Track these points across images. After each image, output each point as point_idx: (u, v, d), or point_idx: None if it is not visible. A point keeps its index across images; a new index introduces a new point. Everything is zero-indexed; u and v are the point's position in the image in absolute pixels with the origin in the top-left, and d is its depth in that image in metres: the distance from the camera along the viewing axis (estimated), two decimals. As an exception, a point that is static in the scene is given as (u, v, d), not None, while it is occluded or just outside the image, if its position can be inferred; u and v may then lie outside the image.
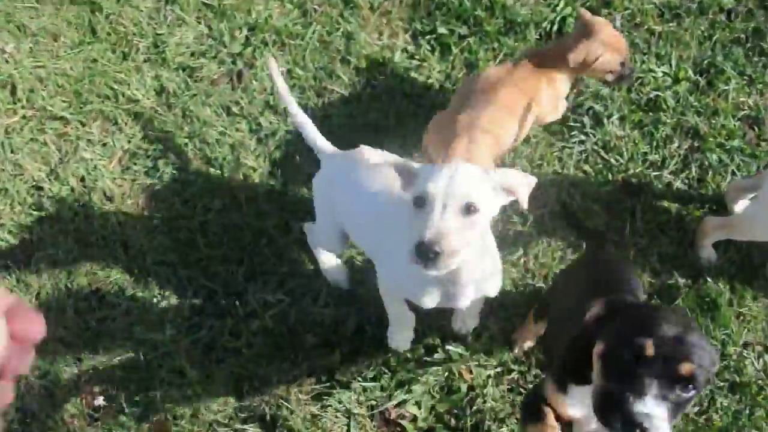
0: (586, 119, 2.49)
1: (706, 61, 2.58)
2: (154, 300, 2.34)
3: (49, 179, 2.50)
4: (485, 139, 2.08)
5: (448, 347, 2.16)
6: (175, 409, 2.19)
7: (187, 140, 2.56)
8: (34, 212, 2.46)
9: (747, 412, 2.07)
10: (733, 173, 2.40)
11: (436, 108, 2.43)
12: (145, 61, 2.68)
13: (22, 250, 2.43)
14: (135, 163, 2.56)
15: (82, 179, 2.51)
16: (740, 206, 2.28)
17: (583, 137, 2.47)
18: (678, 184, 2.41)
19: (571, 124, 2.49)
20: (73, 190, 2.49)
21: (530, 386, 2.14)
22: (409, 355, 2.18)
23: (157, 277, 2.38)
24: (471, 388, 2.13)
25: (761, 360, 2.14)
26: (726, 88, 2.52)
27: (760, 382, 2.11)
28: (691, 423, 2.07)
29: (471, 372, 2.15)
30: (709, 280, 2.23)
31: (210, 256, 2.38)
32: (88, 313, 2.35)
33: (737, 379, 2.12)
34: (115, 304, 2.35)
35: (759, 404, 2.07)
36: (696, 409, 2.08)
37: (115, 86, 2.62)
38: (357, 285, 2.31)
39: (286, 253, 2.38)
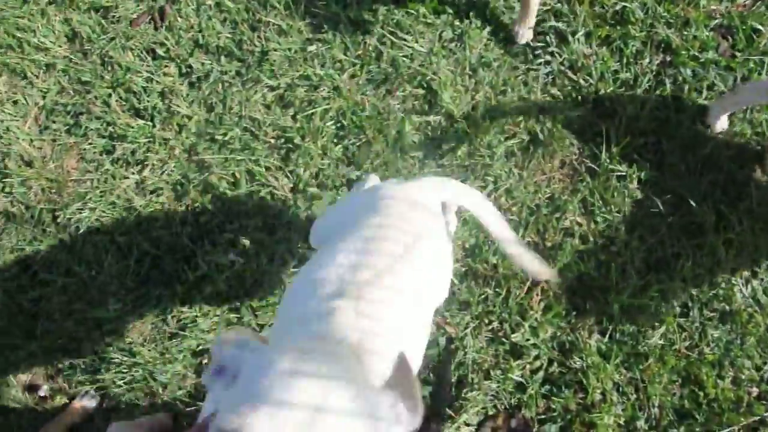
0: (549, 38, 2.28)
1: (673, -35, 2.38)
2: (93, 273, 2.11)
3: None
4: None
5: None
6: (128, 394, 2.00)
7: (110, 90, 2.27)
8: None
9: (738, 341, 2.00)
10: (710, 88, 2.25)
11: (389, 31, 2.18)
12: (50, 2, 2.33)
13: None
14: (54, 122, 2.27)
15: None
16: (723, 124, 2.15)
17: (548, 57, 2.27)
18: (653, 103, 2.24)
19: (534, 44, 2.28)
20: (-15, 158, 2.20)
21: (512, 334, 2.01)
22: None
23: (93, 246, 2.13)
24: (449, 340, 2.00)
25: (749, 286, 2.05)
26: (696, -7, 2.33)
27: (749, 309, 2.03)
28: (683, 358, 1.99)
29: (449, 323, 2.01)
30: (693, 204, 2.11)
31: (150, 218, 2.14)
32: (19, 294, 2.10)
33: (726, 308, 2.03)
34: (50, 281, 2.11)
35: (750, 332, 2.00)
36: (687, 343, 2.00)
37: (18, 34, 2.28)
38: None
39: (234, 207, 2.15)
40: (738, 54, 2.29)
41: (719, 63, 2.27)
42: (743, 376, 2.01)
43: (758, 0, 2.35)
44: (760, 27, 2.29)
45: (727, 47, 2.31)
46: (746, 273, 2.04)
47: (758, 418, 1.97)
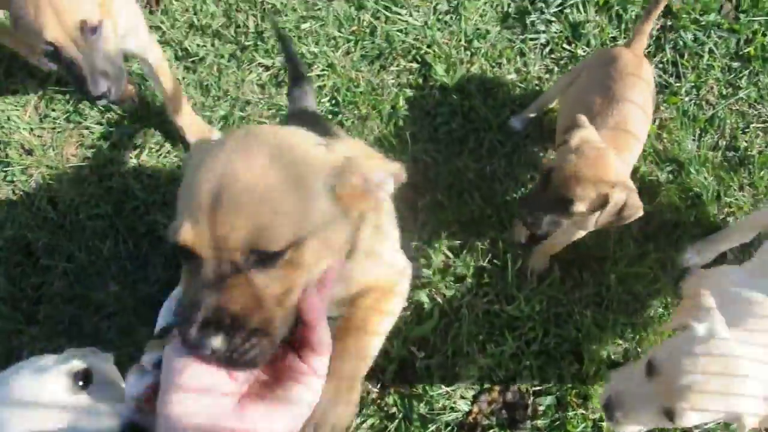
0: (544, 5, 2.23)
1: (673, -72, 2.31)
2: (92, 257, 2.13)
3: (-44, 138, 2.23)
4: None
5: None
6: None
7: (106, 77, 2.27)
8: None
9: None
10: (711, 52, 2.18)
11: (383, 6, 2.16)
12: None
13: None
14: (53, 110, 2.29)
15: (-7, 133, 2.24)
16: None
17: (543, 27, 2.23)
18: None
19: (530, 12, 2.24)
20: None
21: (507, 307, 1.98)
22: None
23: (93, 232, 2.15)
24: (444, 313, 1.98)
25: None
26: (697, -45, 2.26)
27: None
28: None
29: (442, 293, 1.99)
30: (693, 172, 2.05)
31: (147, 202, 2.15)
32: (22, 280, 2.13)
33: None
34: (51, 266, 2.14)
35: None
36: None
37: (16, 23, 2.31)
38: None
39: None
40: (741, 16, 2.22)
41: (721, 25, 2.21)
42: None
43: (764, -40, 2.28)
44: (765, -13, 2.21)
45: (731, 9, 2.25)
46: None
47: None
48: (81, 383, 1.12)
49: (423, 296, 1.97)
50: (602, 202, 1.51)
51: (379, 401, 1.92)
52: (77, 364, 1.15)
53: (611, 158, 1.53)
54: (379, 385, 1.93)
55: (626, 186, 1.54)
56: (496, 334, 1.95)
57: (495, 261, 2.02)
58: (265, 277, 0.67)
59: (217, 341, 0.64)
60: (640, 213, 1.56)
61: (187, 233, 0.66)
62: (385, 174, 0.76)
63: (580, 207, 1.52)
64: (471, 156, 2.12)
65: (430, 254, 2.01)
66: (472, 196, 2.06)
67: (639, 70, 1.73)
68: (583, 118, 1.58)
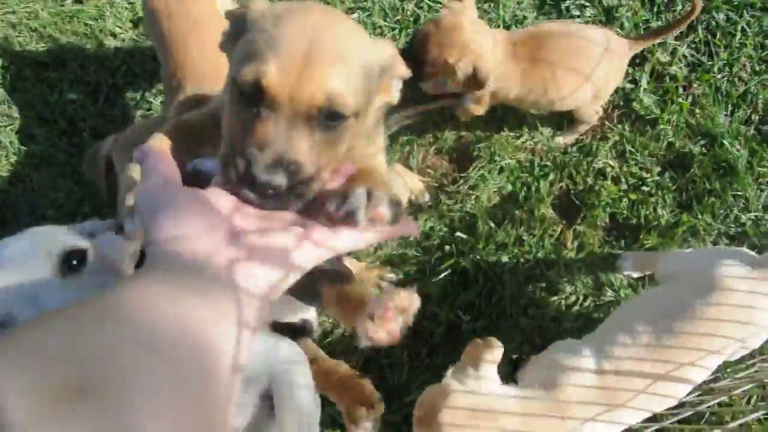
0: (580, -9, 2.36)
1: None
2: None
3: (37, 124, 2.46)
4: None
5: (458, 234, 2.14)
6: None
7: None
8: (29, 160, 2.43)
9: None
10: (743, 31, 2.27)
11: None
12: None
13: (25, 198, 2.41)
14: (122, 98, 2.50)
15: (71, 120, 2.45)
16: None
17: (578, 12, 2.35)
18: (684, 50, 2.28)
19: (566, -1, 2.36)
20: (64, 132, 2.44)
21: (548, 271, 2.11)
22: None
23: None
24: (488, 279, 2.11)
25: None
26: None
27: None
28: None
29: (486, 260, 2.12)
30: (725, 143, 2.14)
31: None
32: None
33: (757, 243, 2.07)
34: None
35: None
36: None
37: (91, 22, 2.53)
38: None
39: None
40: (773, -5, 2.30)
41: (754, 4, 2.29)
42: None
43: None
44: (799, -34, 2.29)
45: (762, -11, 2.33)
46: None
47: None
48: (74, 262, 1.00)
49: (468, 263, 2.11)
50: (451, 69, 1.70)
51: (428, 362, 2.06)
52: (80, 244, 1.04)
53: (465, 29, 1.73)
54: (428, 347, 2.07)
55: (475, 54, 1.72)
56: (538, 297, 2.08)
57: (533, 231, 2.15)
58: (325, 137, 0.76)
59: (282, 179, 0.72)
60: (492, 80, 1.78)
61: (272, 77, 0.72)
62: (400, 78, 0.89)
63: (430, 70, 1.74)
64: (511, 132, 2.25)
65: (477, 223, 2.15)
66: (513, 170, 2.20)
67: (621, 58, 1.94)
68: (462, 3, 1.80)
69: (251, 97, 0.74)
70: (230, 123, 0.79)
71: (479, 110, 2.06)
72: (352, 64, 0.76)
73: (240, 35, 0.81)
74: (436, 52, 1.75)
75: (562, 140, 2.21)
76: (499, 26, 2.38)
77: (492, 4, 2.41)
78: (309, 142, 0.75)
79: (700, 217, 2.09)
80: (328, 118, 0.75)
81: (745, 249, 1.63)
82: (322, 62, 0.73)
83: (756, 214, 2.10)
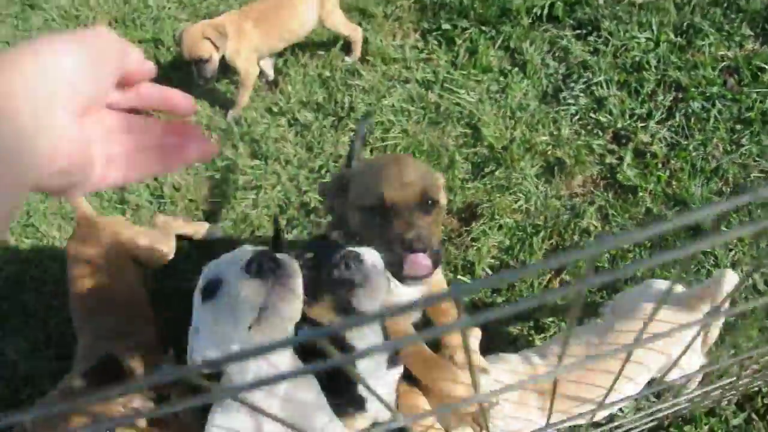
0: (574, 84, 2.80)
1: (685, 23, 2.85)
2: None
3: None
4: None
5: (459, 277, 2.48)
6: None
7: (240, 140, 3.06)
8: (118, 206, 3.01)
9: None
10: (716, 117, 2.63)
11: (446, 89, 2.81)
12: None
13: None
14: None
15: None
16: None
17: (573, 101, 2.78)
18: (664, 132, 2.66)
19: (563, 89, 2.81)
20: (148, 185, 3.03)
21: (536, 313, 2.42)
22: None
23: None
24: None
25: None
26: (704, 43, 2.78)
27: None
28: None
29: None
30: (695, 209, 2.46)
31: (260, 225, 2.83)
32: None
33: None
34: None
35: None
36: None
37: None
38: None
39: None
40: (744, 89, 2.68)
41: (726, 96, 2.66)
42: None
43: (764, 44, 2.75)
44: (764, 65, 2.67)
45: (734, 83, 2.71)
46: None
47: None
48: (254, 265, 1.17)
49: (467, 303, 2.45)
50: None
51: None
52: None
53: None
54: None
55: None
56: (524, 334, 2.39)
57: (524, 279, 2.49)
58: (429, 218, 1.46)
59: (428, 242, 1.40)
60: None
61: (390, 194, 1.42)
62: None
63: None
64: (510, 196, 2.65)
65: (476, 269, 2.51)
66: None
67: None
68: None
69: (376, 212, 1.45)
70: (364, 232, 1.50)
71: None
72: (423, 175, 1.50)
73: (344, 189, 1.56)
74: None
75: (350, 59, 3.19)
76: (506, 112, 2.85)
77: (502, 95, 2.89)
78: (426, 223, 1.44)
79: (672, 270, 2.38)
80: (428, 205, 1.47)
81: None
82: (409, 178, 1.46)
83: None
